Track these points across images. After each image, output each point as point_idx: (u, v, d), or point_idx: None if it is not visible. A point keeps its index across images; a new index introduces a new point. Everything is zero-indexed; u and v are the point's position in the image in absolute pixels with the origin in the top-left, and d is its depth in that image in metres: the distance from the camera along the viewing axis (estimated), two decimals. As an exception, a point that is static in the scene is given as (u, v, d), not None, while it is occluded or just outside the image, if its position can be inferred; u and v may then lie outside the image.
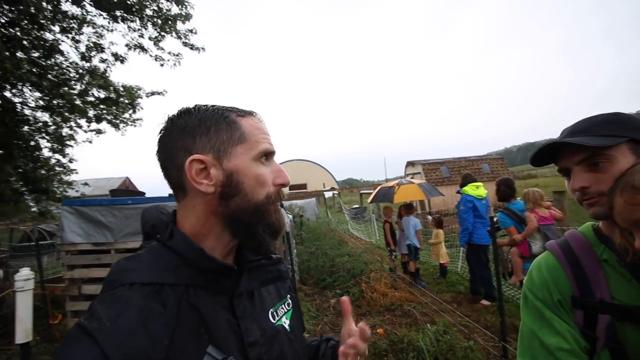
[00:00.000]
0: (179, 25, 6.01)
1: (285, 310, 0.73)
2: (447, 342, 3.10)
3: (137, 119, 7.10)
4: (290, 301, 0.76)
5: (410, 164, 21.01)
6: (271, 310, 0.68)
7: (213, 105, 0.63)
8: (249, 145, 0.61)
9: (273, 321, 0.67)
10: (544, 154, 0.84)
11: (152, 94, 6.82)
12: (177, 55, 6.51)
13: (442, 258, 6.02)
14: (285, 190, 0.67)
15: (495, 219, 3.81)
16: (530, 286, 0.87)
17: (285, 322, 0.70)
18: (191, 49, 6.42)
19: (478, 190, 4.82)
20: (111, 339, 0.46)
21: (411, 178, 12.82)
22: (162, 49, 6.23)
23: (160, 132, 0.62)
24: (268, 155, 0.63)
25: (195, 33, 6.27)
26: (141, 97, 6.72)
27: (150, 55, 6.17)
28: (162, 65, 6.31)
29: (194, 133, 0.59)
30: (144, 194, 4.64)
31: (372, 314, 4.38)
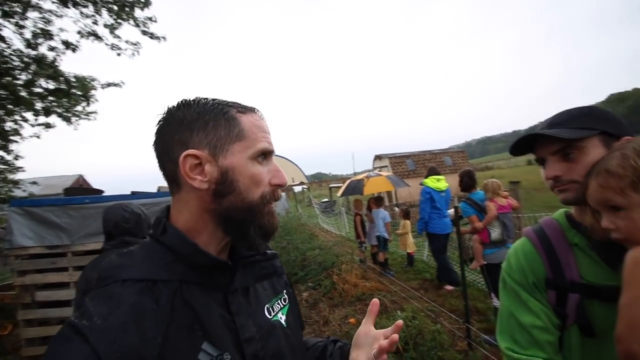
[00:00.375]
0: (137, 13, 5.67)
1: (281, 306, 0.72)
2: (416, 327, 3.25)
3: (91, 112, 6.63)
4: (286, 296, 0.75)
5: (377, 157, 21.52)
6: (267, 305, 0.68)
7: (214, 100, 0.62)
8: (247, 143, 0.60)
9: (269, 317, 0.66)
10: (523, 144, 0.89)
11: (108, 85, 6.39)
12: (136, 44, 6.15)
13: (410, 248, 6.27)
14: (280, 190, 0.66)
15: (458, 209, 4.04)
16: (509, 271, 0.92)
17: (282, 318, 0.70)
18: (151, 37, 6.10)
19: (438, 183, 5.09)
20: (103, 337, 0.45)
21: (379, 171, 13.09)
22: (119, 37, 5.86)
23: (158, 123, 0.60)
24: (266, 154, 0.63)
25: (155, 21, 5.96)
26: (95, 89, 6.28)
27: (106, 44, 5.78)
28: (119, 54, 5.95)
29: (192, 127, 0.58)
30: (101, 192, 4.37)
31: (344, 305, 4.48)
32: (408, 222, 6.38)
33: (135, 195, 3.37)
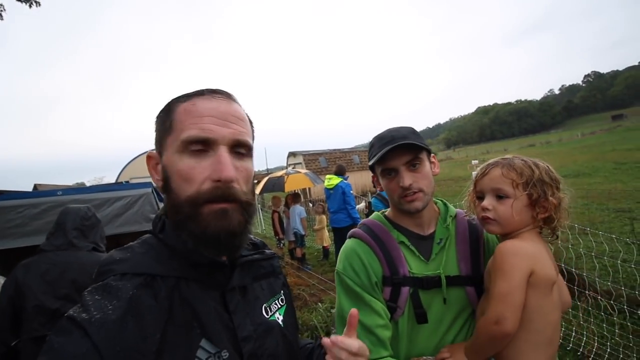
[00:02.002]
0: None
1: (279, 306, 0.71)
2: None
3: None
4: (283, 297, 0.74)
5: (292, 154, 21.75)
6: (264, 305, 0.67)
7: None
8: (175, 134, 0.56)
9: (266, 316, 0.65)
10: (382, 155, 0.91)
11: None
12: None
13: (325, 242, 6.57)
14: (242, 186, 0.58)
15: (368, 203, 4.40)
16: (348, 273, 0.93)
17: (279, 318, 0.69)
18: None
19: (328, 182, 5.51)
20: (102, 331, 0.44)
21: (293, 168, 13.29)
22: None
23: None
24: (206, 143, 0.55)
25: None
26: None
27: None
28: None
29: (155, 128, 0.61)
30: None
31: (264, 303, 4.43)
32: (324, 217, 6.67)
33: (2, 195, 2.66)
